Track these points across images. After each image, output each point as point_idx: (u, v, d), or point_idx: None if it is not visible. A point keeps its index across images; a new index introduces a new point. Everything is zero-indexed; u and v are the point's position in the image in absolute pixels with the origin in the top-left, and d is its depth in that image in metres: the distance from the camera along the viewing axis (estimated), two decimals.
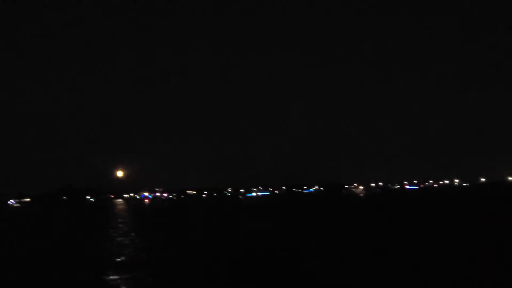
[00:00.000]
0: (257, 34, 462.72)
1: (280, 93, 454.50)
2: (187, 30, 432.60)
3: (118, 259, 27.16)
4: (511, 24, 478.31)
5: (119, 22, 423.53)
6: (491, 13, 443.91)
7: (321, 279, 19.34)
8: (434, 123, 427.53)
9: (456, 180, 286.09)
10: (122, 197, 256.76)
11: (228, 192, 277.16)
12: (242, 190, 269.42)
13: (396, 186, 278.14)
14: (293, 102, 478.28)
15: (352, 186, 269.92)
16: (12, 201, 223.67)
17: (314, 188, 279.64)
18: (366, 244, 29.05)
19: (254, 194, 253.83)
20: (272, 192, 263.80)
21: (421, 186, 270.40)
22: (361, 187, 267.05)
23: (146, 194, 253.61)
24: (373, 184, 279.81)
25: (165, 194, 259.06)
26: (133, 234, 43.85)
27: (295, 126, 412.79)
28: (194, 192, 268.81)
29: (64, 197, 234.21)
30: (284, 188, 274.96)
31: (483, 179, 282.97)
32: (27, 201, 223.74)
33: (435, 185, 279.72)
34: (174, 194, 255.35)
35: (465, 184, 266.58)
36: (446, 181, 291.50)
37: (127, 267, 23.99)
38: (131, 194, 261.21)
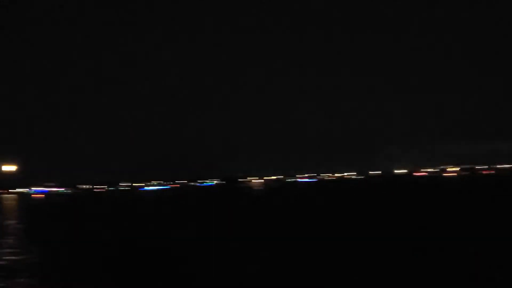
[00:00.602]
0: None
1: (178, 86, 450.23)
2: None
3: None
4: None
5: None
6: None
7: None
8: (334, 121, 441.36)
9: (352, 173, 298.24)
10: (13, 192, 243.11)
11: (126, 186, 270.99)
12: (140, 184, 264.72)
13: (291, 179, 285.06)
14: (198, 96, 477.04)
15: (250, 179, 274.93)
16: None
17: (215, 181, 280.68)
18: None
19: (153, 188, 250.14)
20: (172, 186, 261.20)
21: (317, 178, 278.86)
22: (259, 180, 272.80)
23: (38, 188, 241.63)
24: (272, 177, 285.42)
25: (57, 189, 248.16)
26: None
27: (200, 118, 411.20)
28: (90, 187, 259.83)
29: None
30: (185, 181, 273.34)
31: (376, 172, 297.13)
32: None
33: (332, 178, 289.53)
34: (67, 189, 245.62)
35: (360, 177, 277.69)
36: (343, 174, 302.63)
37: None
38: (22, 189, 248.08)
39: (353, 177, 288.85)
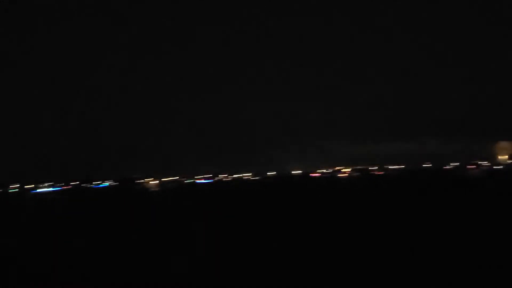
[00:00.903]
0: None
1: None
2: None
3: None
4: None
5: None
6: None
7: None
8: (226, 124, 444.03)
9: (248, 174, 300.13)
10: None
11: (15, 187, 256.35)
12: (31, 186, 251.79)
13: (189, 180, 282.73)
14: (91, 93, 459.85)
15: (146, 180, 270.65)
16: None
17: (108, 182, 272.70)
18: None
19: (44, 189, 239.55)
20: (63, 187, 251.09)
21: (214, 179, 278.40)
22: (154, 181, 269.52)
23: None
24: (169, 178, 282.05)
25: None
26: None
27: (96, 117, 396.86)
28: None
29: None
30: (77, 182, 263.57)
31: (272, 173, 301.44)
32: None
33: (229, 178, 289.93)
34: None
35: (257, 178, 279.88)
36: (241, 175, 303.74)
37: None
38: None
39: (250, 177, 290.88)
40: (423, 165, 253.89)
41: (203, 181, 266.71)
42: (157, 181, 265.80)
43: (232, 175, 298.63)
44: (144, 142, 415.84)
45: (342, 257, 20.99)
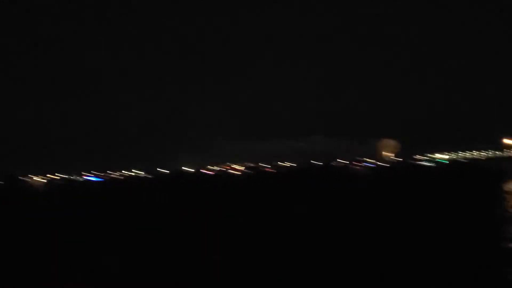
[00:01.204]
0: None
1: None
2: None
3: None
4: None
5: None
6: None
7: None
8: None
9: (141, 172, 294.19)
10: None
11: None
12: None
13: (76, 177, 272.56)
14: None
15: (32, 177, 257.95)
16: None
17: None
18: None
19: None
20: None
21: (105, 177, 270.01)
22: (40, 179, 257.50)
23: None
24: (57, 175, 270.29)
25: None
26: None
27: None
28: None
29: None
30: None
31: (166, 171, 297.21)
32: None
33: (120, 176, 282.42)
34: None
35: (150, 176, 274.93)
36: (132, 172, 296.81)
37: None
38: None
39: (141, 175, 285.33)
40: (312, 163, 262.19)
41: (92, 178, 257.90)
42: (44, 179, 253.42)
43: (122, 173, 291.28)
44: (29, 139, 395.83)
45: None
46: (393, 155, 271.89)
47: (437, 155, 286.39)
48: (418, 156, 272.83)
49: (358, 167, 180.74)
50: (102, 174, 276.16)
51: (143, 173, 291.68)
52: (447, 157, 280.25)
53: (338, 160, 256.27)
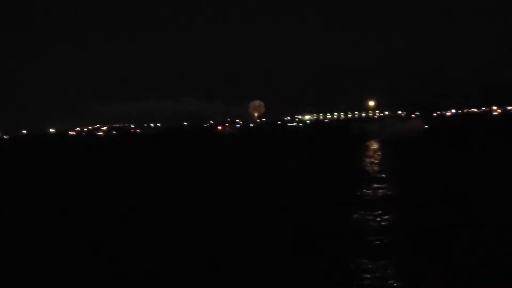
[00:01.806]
0: None
1: None
2: None
3: None
4: None
5: None
6: None
7: None
8: None
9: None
10: None
11: None
12: None
13: None
14: None
15: None
16: None
17: None
18: None
19: None
20: None
21: None
22: None
23: None
24: None
25: None
26: None
27: None
28: None
29: None
30: None
31: (24, 131, 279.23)
32: None
33: None
34: None
35: (5, 137, 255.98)
36: None
37: None
38: None
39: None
40: (183, 124, 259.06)
41: None
42: None
43: None
44: None
45: None
46: (261, 116, 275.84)
47: (306, 117, 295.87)
48: (287, 118, 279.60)
49: (226, 128, 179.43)
50: None
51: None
52: (309, 117, 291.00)
53: (210, 121, 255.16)
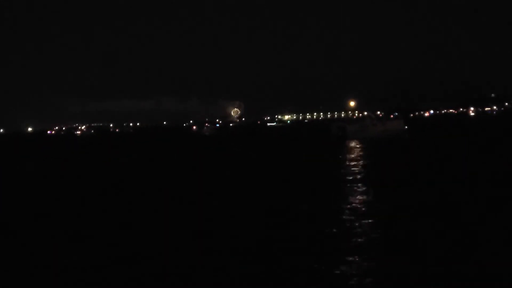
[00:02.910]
0: None
1: None
2: None
3: None
4: None
5: None
6: None
7: None
8: None
9: None
10: None
11: None
12: None
13: None
14: None
15: None
16: None
17: None
18: None
19: None
20: None
21: None
22: None
23: None
24: None
25: None
26: None
27: None
28: None
29: None
30: None
31: (1, 130, 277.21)
32: None
33: None
34: None
35: None
36: None
37: None
38: None
39: None
40: (161, 123, 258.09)
41: None
42: None
43: None
44: None
45: None
46: (240, 115, 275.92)
47: (286, 117, 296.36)
48: (267, 117, 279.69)
49: (204, 128, 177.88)
50: None
51: None
52: (289, 117, 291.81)
53: (188, 121, 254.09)
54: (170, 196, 24.14)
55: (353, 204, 19.26)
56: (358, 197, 20.80)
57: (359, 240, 14.28)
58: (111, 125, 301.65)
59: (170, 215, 19.37)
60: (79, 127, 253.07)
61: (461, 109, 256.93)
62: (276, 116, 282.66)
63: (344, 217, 17.21)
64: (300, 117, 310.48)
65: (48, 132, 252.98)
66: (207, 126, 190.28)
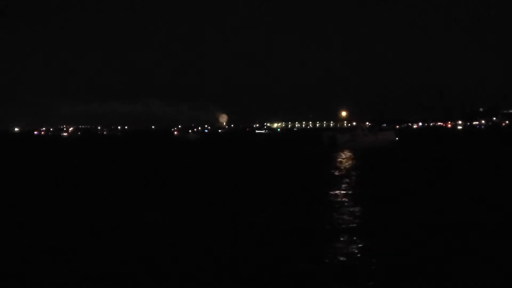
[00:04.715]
0: None
1: None
2: None
3: None
4: None
5: None
6: None
7: None
8: None
9: None
10: None
11: None
12: None
13: None
14: None
15: None
16: None
17: None
18: None
19: None
20: None
21: None
22: None
23: None
24: None
25: None
26: None
27: None
28: None
29: None
30: None
31: None
32: None
33: None
34: None
35: None
36: None
37: None
38: None
39: None
40: (149, 127, 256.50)
41: None
42: None
43: None
44: None
45: None
46: (227, 122, 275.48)
47: (275, 124, 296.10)
48: (256, 125, 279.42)
49: (190, 133, 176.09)
50: None
51: None
52: (279, 125, 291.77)
53: (176, 125, 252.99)
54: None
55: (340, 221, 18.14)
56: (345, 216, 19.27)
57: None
58: (99, 127, 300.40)
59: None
60: (66, 129, 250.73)
61: (449, 122, 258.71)
62: (265, 124, 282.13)
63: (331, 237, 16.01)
64: (289, 125, 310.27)
65: (35, 132, 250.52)
66: (191, 131, 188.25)
